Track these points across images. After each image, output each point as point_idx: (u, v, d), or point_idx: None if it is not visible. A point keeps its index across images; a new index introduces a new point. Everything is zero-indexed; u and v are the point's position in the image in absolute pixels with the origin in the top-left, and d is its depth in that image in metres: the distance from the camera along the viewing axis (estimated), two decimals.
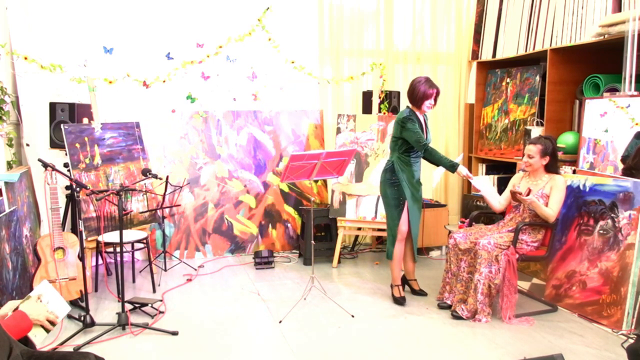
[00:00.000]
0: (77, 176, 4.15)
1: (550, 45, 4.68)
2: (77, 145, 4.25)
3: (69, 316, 3.62)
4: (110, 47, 4.91)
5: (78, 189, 3.49)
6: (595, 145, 4.12)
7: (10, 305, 2.14)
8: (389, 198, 3.96)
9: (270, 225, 5.41)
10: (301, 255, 5.23)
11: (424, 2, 5.73)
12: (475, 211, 4.21)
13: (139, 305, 3.77)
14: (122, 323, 3.43)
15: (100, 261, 4.65)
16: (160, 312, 3.78)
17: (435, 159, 3.97)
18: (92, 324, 3.44)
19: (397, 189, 3.91)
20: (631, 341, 3.20)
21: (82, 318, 3.43)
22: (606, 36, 4.06)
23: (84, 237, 4.08)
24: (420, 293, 4.14)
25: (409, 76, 5.76)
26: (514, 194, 3.74)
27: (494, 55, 5.48)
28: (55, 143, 4.39)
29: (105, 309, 3.88)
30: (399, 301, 3.98)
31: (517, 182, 3.90)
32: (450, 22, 5.83)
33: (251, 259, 5.09)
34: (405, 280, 4.20)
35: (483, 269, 3.60)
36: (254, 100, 5.39)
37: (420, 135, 3.83)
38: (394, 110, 5.27)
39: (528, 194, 3.62)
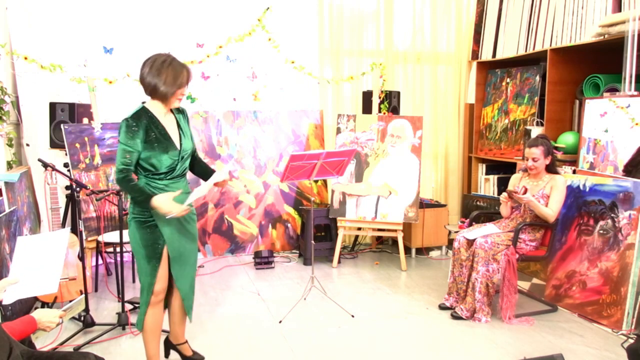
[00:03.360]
0: (77, 176, 4.15)
1: (550, 45, 4.68)
2: (77, 145, 4.25)
3: None
4: (110, 47, 4.90)
5: (78, 189, 3.49)
6: (595, 145, 4.12)
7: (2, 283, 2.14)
8: (138, 244, 2.66)
9: (270, 225, 5.41)
10: (301, 255, 5.23)
11: (424, 2, 5.73)
12: (475, 211, 4.20)
13: (139, 305, 3.76)
14: (122, 323, 3.43)
15: (100, 261, 4.65)
16: None
17: (135, 195, 2.59)
18: (92, 324, 3.44)
19: (151, 230, 2.64)
20: (631, 341, 3.20)
21: (82, 318, 3.43)
22: (606, 36, 4.06)
23: (84, 237, 4.09)
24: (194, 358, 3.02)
25: (409, 76, 5.76)
26: (510, 194, 3.74)
27: (494, 55, 5.48)
28: (55, 143, 4.39)
29: (105, 309, 3.88)
30: None
31: (517, 182, 3.89)
32: (450, 22, 5.83)
33: (251, 259, 5.09)
34: (171, 346, 3.02)
35: (480, 268, 3.60)
36: (254, 100, 5.39)
37: (128, 158, 2.54)
38: (394, 110, 5.27)
39: (524, 193, 3.62)
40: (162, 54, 2.58)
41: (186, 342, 3.01)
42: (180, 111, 2.74)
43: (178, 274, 2.76)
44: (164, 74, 2.52)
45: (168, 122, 2.65)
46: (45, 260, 2.20)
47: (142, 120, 2.56)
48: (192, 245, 2.81)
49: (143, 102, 2.65)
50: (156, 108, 2.62)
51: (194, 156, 2.83)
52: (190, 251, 2.79)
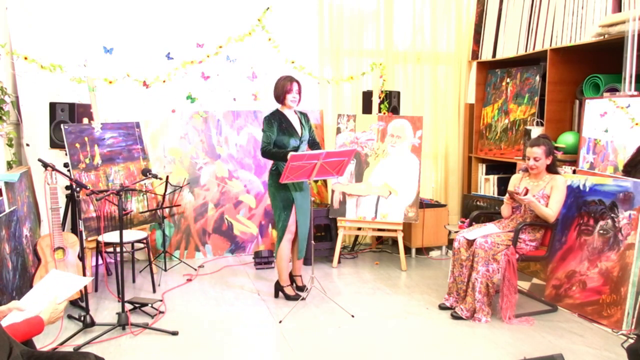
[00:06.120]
0: (77, 176, 4.15)
1: (550, 45, 4.68)
2: (77, 145, 4.25)
3: (69, 316, 3.63)
4: (110, 47, 4.90)
5: (78, 189, 3.49)
6: (595, 145, 4.12)
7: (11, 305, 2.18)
8: (277, 200, 4.00)
9: (270, 225, 5.41)
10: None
11: (424, 2, 5.73)
12: (475, 211, 4.20)
13: (139, 305, 3.77)
14: (122, 323, 3.43)
15: (100, 261, 4.65)
16: (160, 312, 3.78)
17: (276, 158, 3.93)
18: (92, 324, 3.44)
19: (285, 191, 3.95)
20: (631, 341, 3.20)
21: (82, 318, 3.43)
22: (606, 36, 4.06)
23: (84, 237, 4.08)
24: (301, 289, 4.21)
25: (409, 76, 5.76)
26: (512, 195, 3.74)
27: (494, 55, 5.48)
28: (55, 143, 4.39)
29: (105, 309, 3.88)
30: (294, 298, 4.09)
31: (517, 183, 3.89)
32: (450, 22, 5.83)
33: (251, 259, 5.09)
34: (291, 275, 4.27)
35: (480, 268, 3.60)
36: (254, 100, 5.39)
37: (268, 139, 3.90)
38: (394, 110, 5.27)
39: (526, 194, 3.62)
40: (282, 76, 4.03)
41: (300, 276, 4.28)
42: (302, 114, 4.11)
43: (299, 222, 4.03)
44: (277, 87, 4.00)
45: (293, 119, 4.01)
46: (55, 293, 2.30)
47: (275, 116, 3.97)
48: (308, 203, 4.07)
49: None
50: (284, 109, 4.01)
51: (314, 141, 4.18)
52: (307, 207, 4.06)
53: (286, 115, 4.00)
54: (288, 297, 4.11)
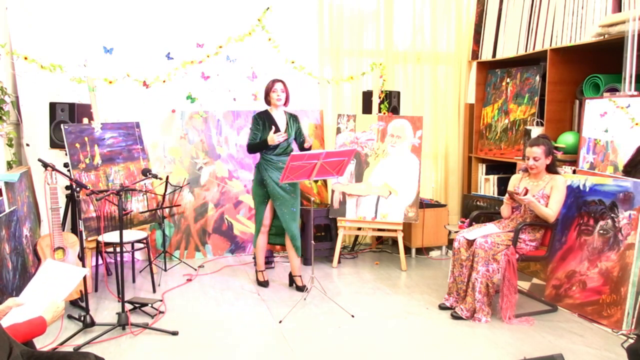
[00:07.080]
0: (77, 176, 4.15)
1: (550, 45, 4.68)
2: (77, 145, 4.25)
3: (69, 316, 3.63)
4: (110, 47, 4.90)
5: (78, 189, 3.49)
6: (595, 145, 4.12)
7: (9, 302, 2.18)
8: (254, 194, 4.28)
9: None
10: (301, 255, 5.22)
11: (424, 2, 5.73)
12: (475, 211, 4.20)
13: (139, 305, 3.77)
14: (122, 323, 3.43)
15: (100, 261, 4.65)
16: (160, 312, 3.78)
17: (259, 147, 4.18)
18: (92, 324, 3.44)
19: (263, 186, 4.17)
20: (631, 341, 3.20)
21: (82, 318, 3.43)
22: (606, 36, 4.06)
23: (84, 237, 4.09)
24: (301, 289, 4.27)
25: (409, 76, 5.76)
26: (511, 195, 3.74)
27: (494, 55, 5.48)
28: (55, 143, 4.39)
29: (105, 309, 3.88)
30: (262, 284, 4.40)
31: (517, 183, 3.89)
32: (450, 22, 5.83)
33: (251, 259, 5.09)
34: (290, 276, 4.42)
35: (480, 268, 3.60)
36: (254, 100, 5.38)
37: (252, 136, 4.18)
38: (394, 110, 5.27)
39: (525, 194, 3.62)
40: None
41: (299, 276, 4.34)
42: (292, 115, 4.28)
43: (284, 218, 4.16)
44: (264, 89, 4.22)
45: (280, 119, 4.20)
46: (54, 288, 2.31)
47: (262, 115, 4.20)
48: (292, 198, 4.17)
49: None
50: (272, 109, 4.22)
51: (303, 142, 4.23)
52: (290, 201, 4.16)
53: (272, 115, 4.20)
54: (257, 282, 4.43)
